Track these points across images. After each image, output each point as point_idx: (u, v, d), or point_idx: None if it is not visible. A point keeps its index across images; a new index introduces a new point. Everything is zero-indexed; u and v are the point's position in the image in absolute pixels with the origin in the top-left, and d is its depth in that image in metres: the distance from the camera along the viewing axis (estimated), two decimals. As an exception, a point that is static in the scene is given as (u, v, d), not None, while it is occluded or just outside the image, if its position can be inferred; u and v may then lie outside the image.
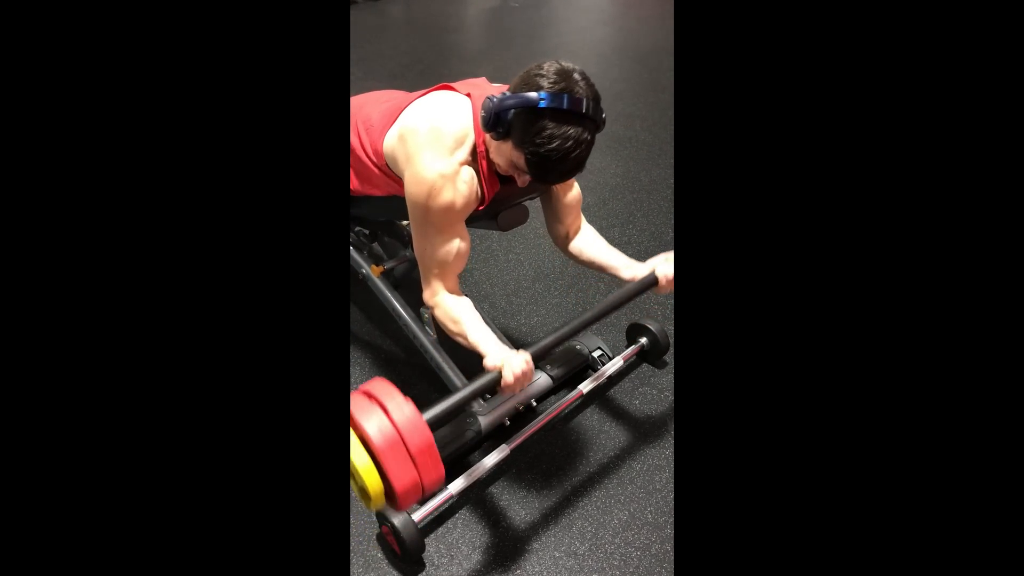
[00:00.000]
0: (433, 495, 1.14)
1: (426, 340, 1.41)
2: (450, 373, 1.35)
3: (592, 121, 0.88)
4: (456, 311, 1.03)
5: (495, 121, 0.88)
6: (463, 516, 1.17)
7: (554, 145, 0.85)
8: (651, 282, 1.09)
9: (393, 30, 4.62)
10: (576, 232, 1.23)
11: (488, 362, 0.93)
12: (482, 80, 1.11)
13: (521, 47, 4.11)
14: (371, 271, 1.47)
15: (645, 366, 1.53)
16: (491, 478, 1.25)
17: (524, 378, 0.92)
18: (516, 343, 1.58)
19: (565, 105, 0.84)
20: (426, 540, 1.13)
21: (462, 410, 0.91)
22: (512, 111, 0.86)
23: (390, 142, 1.04)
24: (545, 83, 0.85)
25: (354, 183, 1.21)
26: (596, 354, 1.47)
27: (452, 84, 1.07)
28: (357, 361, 1.54)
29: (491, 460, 1.20)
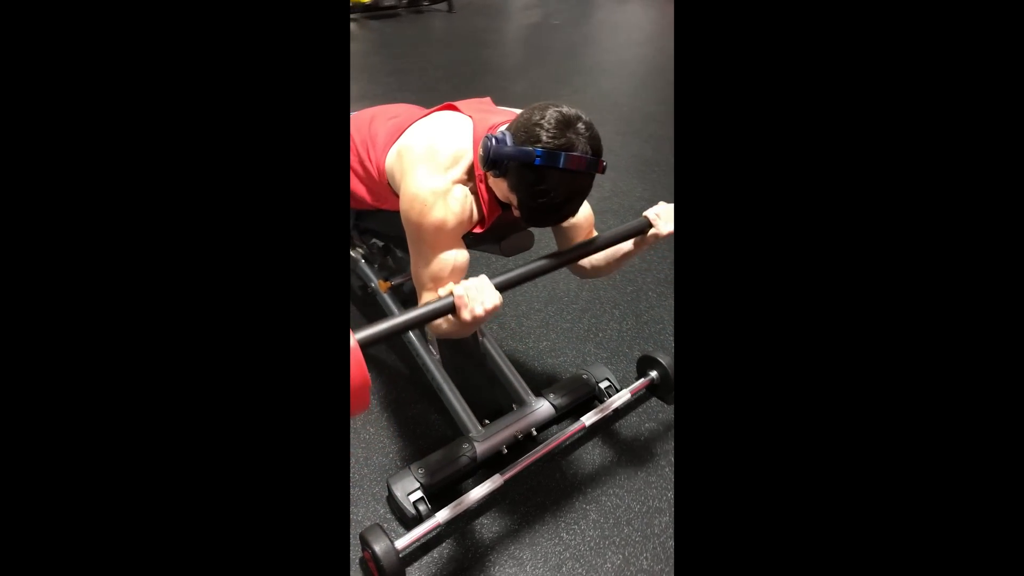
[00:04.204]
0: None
1: (429, 360, 1.39)
2: (450, 395, 1.32)
3: (589, 176, 0.86)
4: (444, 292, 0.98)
5: (492, 163, 0.87)
6: (449, 546, 1.14)
7: (546, 200, 0.85)
8: (644, 225, 1.04)
9: (433, 42, 4.68)
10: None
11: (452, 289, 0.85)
12: (487, 102, 1.09)
13: (556, 64, 4.11)
14: (379, 286, 1.45)
15: (654, 401, 1.47)
16: (482, 508, 1.21)
17: (476, 292, 0.83)
18: (522, 367, 1.54)
19: (561, 164, 0.82)
20: (409, 569, 1.09)
21: (401, 332, 0.81)
22: (508, 160, 0.85)
23: (391, 160, 1.04)
24: (544, 136, 0.83)
25: (367, 197, 1.20)
26: (603, 385, 1.43)
27: (456, 104, 1.06)
28: (360, 375, 1.52)
29: (483, 490, 1.16)
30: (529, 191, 0.85)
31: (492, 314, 0.84)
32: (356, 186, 1.19)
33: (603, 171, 0.90)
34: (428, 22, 5.30)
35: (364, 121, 1.19)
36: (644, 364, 1.49)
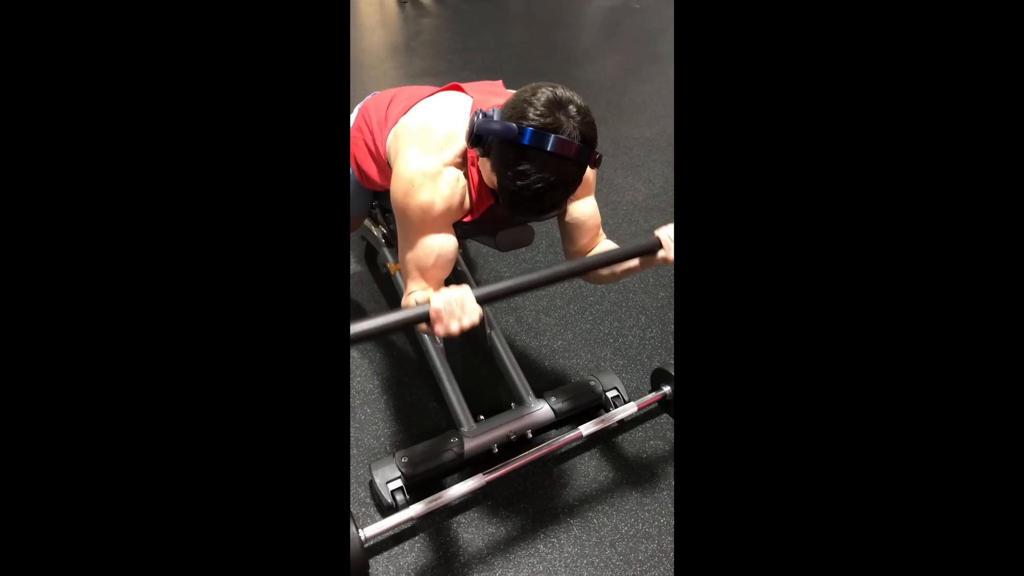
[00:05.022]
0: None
1: (431, 345, 1.36)
2: (447, 384, 1.29)
3: (577, 164, 0.79)
4: (423, 297, 0.93)
5: (476, 139, 0.81)
6: (421, 541, 1.11)
7: (525, 183, 0.78)
8: (653, 244, 0.95)
9: (505, 22, 4.61)
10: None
11: (427, 298, 0.81)
12: (497, 84, 1.04)
13: (628, 51, 3.94)
14: (390, 268, 1.44)
15: (664, 418, 1.38)
16: (461, 506, 1.17)
17: (457, 308, 0.78)
18: (531, 364, 1.49)
19: (547, 146, 0.76)
20: (378, 558, 1.08)
21: (384, 335, 0.80)
22: (492, 136, 0.79)
23: (390, 140, 1.01)
24: (532, 113, 0.77)
25: (376, 177, 1.18)
26: (611, 394, 1.35)
27: (463, 85, 1.00)
28: (367, 355, 1.52)
29: (462, 488, 1.13)
30: (508, 172, 0.78)
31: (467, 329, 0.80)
32: (369, 167, 1.17)
33: (596, 164, 0.82)
34: (506, 1, 5.22)
35: (383, 102, 1.16)
36: (658, 377, 1.40)
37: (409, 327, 0.79)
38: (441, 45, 3.95)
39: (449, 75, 3.37)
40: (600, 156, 0.82)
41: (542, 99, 0.77)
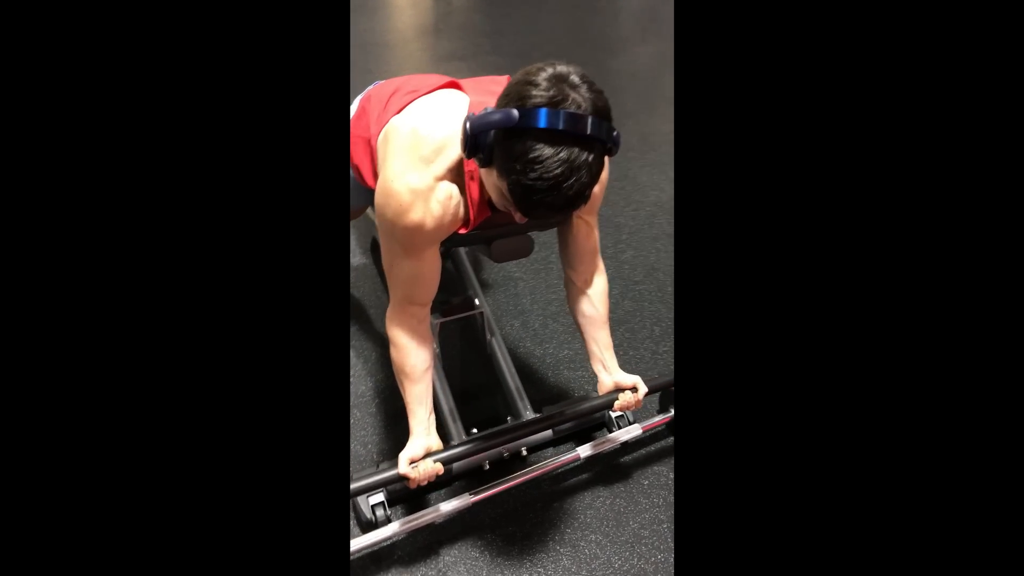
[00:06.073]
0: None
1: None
2: (440, 395, 1.23)
3: (597, 141, 0.68)
4: (410, 365, 0.94)
5: (474, 145, 0.71)
6: (399, 561, 1.05)
7: (538, 172, 0.66)
8: (606, 405, 1.10)
9: (539, 5, 4.47)
10: (585, 285, 1.05)
11: (401, 466, 0.93)
12: (502, 81, 0.94)
13: (666, 40, 3.77)
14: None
15: (671, 442, 1.29)
16: (445, 525, 1.11)
17: (425, 480, 0.95)
18: (532, 375, 1.41)
19: (559, 124, 0.65)
20: (353, 576, 1.03)
21: (363, 492, 0.97)
22: (492, 132, 0.69)
23: (380, 139, 0.92)
24: (533, 92, 0.66)
25: (369, 179, 1.10)
26: (614, 414, 1.26)
27: (460, 82, 0.91)
28: (362, 355, 1.46)
29: (448, 507, 1.06)
30: (518, 165, 0.67)
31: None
32: (364, 163, 1.09)
33: (615, 145, 0.71)
34: (542, -17, 5.06)
35: (385, 93, 1.07)
36: (667, 398, 1.31)
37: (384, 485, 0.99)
38: (471, 27, 3.84)
39: (477, 59, 3.26)
40: (618, 132, 0.71)
41: (542, 76, 0.67)
